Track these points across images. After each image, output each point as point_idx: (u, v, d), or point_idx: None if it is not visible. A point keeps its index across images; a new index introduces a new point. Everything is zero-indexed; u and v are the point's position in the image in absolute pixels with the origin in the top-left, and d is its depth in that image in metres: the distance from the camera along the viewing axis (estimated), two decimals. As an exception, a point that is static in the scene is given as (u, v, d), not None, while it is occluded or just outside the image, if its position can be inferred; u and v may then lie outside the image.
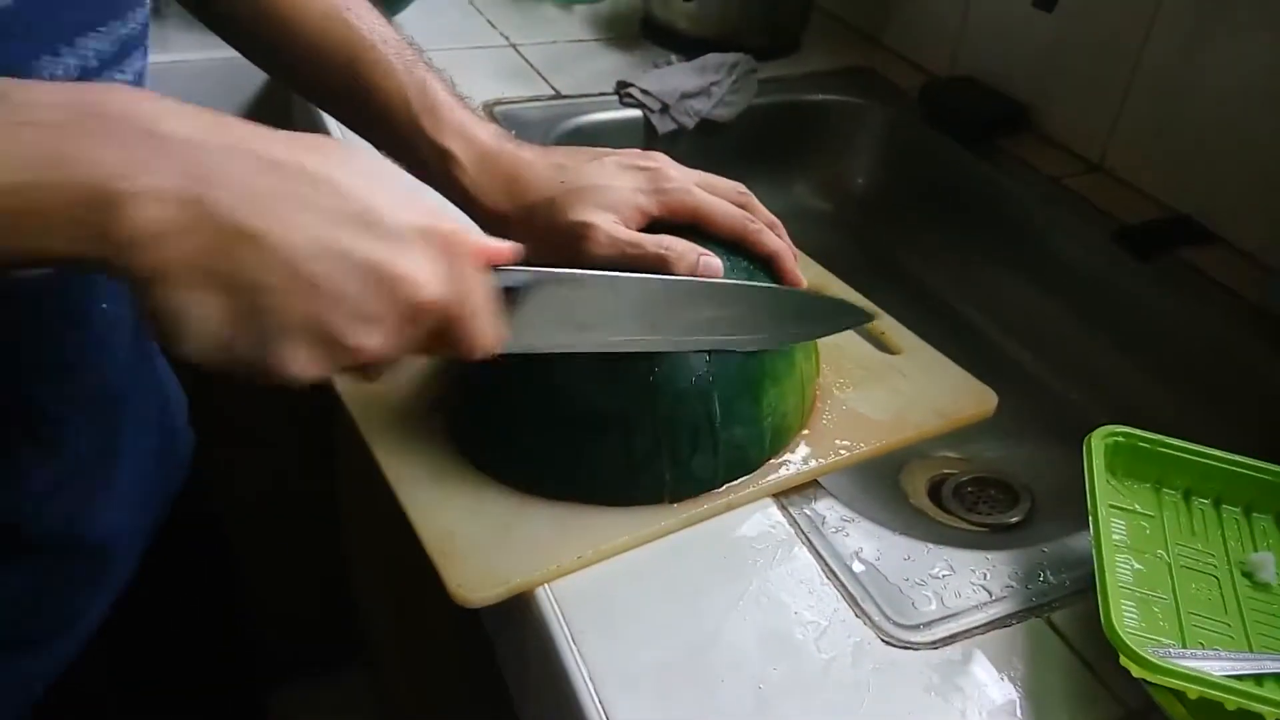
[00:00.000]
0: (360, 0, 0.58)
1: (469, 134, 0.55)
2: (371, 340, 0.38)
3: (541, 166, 0.55)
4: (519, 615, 0.51)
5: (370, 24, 0.57)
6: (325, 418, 0.99)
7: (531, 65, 1.02)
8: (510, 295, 0.44)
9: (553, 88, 0.98)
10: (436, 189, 0.57)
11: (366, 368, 0.40)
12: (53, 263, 0.34)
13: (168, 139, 0.34)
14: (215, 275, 0.34)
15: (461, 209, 0.56)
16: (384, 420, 0.58)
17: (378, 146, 0.59)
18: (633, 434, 0.53)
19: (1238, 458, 0.56)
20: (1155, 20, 0.83)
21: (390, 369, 0.41)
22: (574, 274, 0.48)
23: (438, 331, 0.40)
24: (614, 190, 0.53)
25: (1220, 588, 0.52)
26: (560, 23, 1.15)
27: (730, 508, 0.55)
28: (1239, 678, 0.45)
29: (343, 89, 0.57)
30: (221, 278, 0.35)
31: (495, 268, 0.43)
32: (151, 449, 0.64)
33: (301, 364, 0.37)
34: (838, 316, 0.60)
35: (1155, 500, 0.56)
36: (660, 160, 0.56)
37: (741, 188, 0.59)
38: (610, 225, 0.52)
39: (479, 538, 0.51)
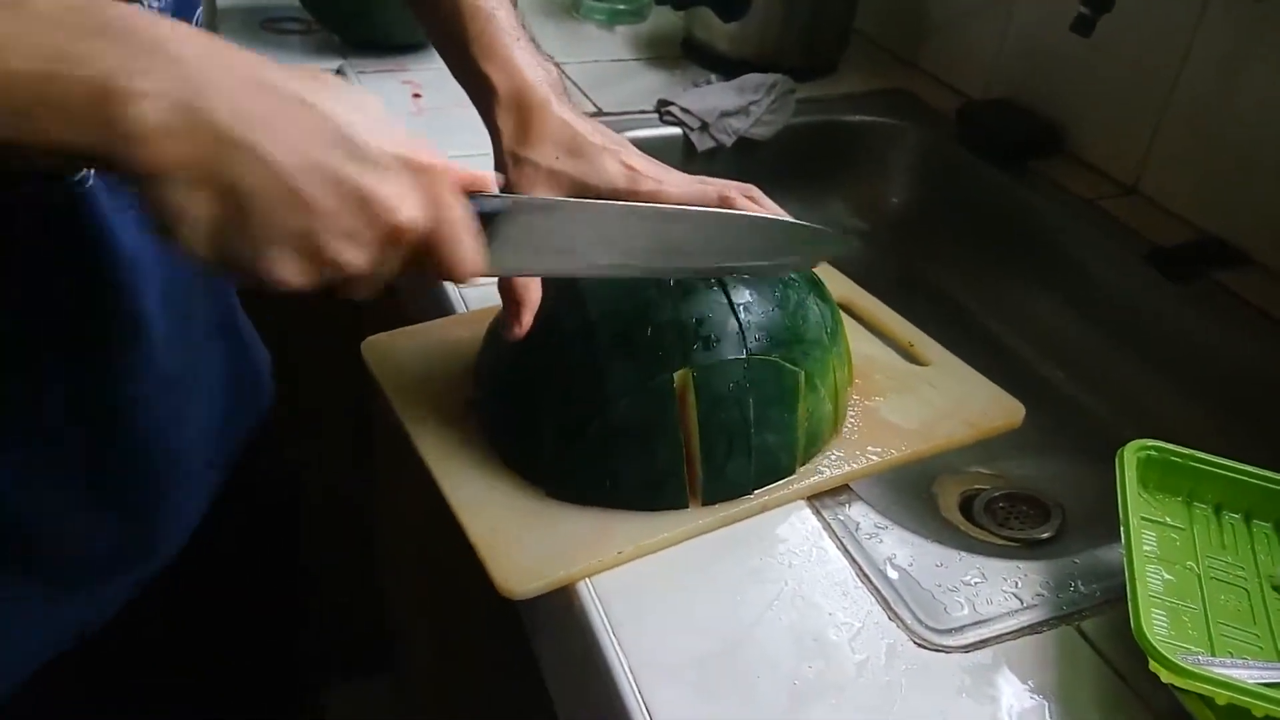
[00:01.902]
0: None
1: (513, 69, 0.56)
2: (354, 256, 0.40)
3: (557, 125, 0.56)
4: (560, 608, 0.52)
5: None
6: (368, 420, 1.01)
7: (575, 83, 1.04)
8: (489, 221, 0.46)
9: (595, 105, 1.01)
10: (482, 118, 0.58)
11: (352, 283, 0.42)
12: (65, 153, 0.36)
13: (163, 50, 0.36)
14: (209, 178, 0.37)
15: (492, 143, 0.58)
16: (426, 420, 0.60)
17: (447, 64, 0.60)
18: (664, 441, 0.54)
19: (1269, 474, 0.57)
20: (1191, 45, 0.84)
21: (375, 289, 0.43)
22: (548, 201, 0.49)
23: (419, 253, 0.42)
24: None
25: (1250, 600, 0.52)
26: (603, 42, 1.17)
27: (765, 509, 0.56)
28: (1268, 685, 0.45)
29: None
30: (215, 181, 0.37)
31: (473, 194, 0.45)
32: (228, 376, 0.65)
33: (289, 272, 0.39)
34: (819, 242, 0.58)
35: (1186, 514, 0.57)
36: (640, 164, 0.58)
37: (749, 189, 0.59)
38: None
39: (520, 533, 0.53)
